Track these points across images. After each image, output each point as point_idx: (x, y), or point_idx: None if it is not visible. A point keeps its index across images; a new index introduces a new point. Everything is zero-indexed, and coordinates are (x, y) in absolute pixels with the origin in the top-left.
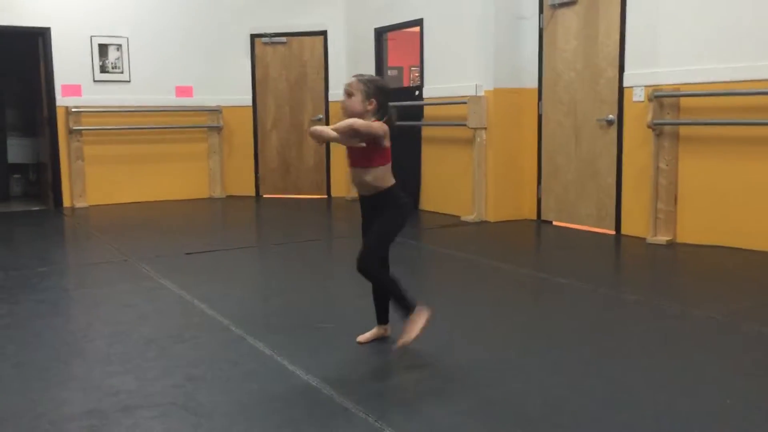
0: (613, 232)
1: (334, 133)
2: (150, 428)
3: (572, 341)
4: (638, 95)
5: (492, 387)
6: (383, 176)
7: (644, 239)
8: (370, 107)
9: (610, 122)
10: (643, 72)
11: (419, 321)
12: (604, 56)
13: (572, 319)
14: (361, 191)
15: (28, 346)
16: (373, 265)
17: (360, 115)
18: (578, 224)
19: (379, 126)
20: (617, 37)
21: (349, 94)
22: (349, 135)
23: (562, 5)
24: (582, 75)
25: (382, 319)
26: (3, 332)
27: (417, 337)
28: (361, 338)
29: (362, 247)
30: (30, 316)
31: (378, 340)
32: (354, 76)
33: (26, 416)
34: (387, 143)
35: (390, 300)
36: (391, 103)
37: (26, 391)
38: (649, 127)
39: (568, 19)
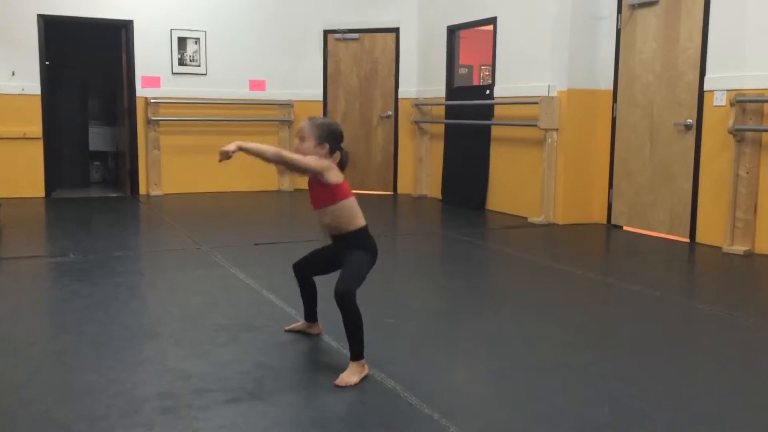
0: (687, 240)
1: (250, 146)
2: (220, 412)
3: (643, 350)
4: (719, 99)
5: (559, 392)
6: (343, 215)
7: (720, 248)
8: (322, 151)
9: (688, 126)
10: (726, 75)
11: (362, 372)
12: (684, 59)
13: (643, 328)
14: (330, 232)
15: (106, 327)
16: (349, 296)
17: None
18: (650, 230)
19: (314, 160)
20: (699, 39)
21: (302, 138)
22: (281, 162)
23: (641, 5)
24: (660, 78)
25: (310, 317)
26: (83, 312)
27: (354, 385)
28: (288, 327)
29: (341, 280)
30: (108, 298)
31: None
32: (306, 119)
33: (103, 394)
34: (334, 179)
35: (347, 335)
36: (343, 147)
37: (103, 370)
38: (729, 132)
39: (648, 20)
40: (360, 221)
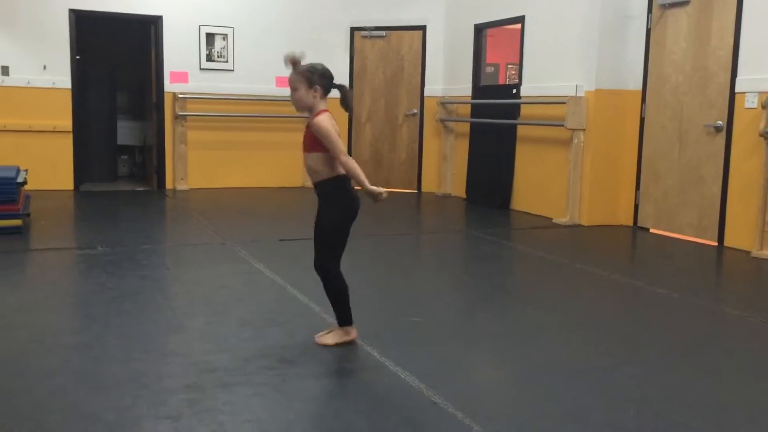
0: (715, 244)
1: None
2: (245, 405)
3: (670, 354)
4: (751, 101)
5: (585, 394)
6: (327, 164)
7: (749, 253)
8: (316, 94)
9: (718, 128)
10: (758, 77)
11: (345, 337)
12: (715, 59)
13: (670, 331)
14: (311, 178)
15: (133, 320)
16: (326, 268)
17: (311, 105)
18: (677, 233)
19: (332, 129)
20: (731, 40)
21: (293, 89)
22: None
23: (673, 5)
24: (690, 78)
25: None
26: (111, 305)
27: (332, 346)
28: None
29: (317, 258)
30: (134, 290)
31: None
32: (292, 70)
33: (130, 386)
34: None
35: (330, 303)
36: (343, 84)
37: (130, 361)
38: (761, 135)
39: (679, 19)
40: (337, 171)
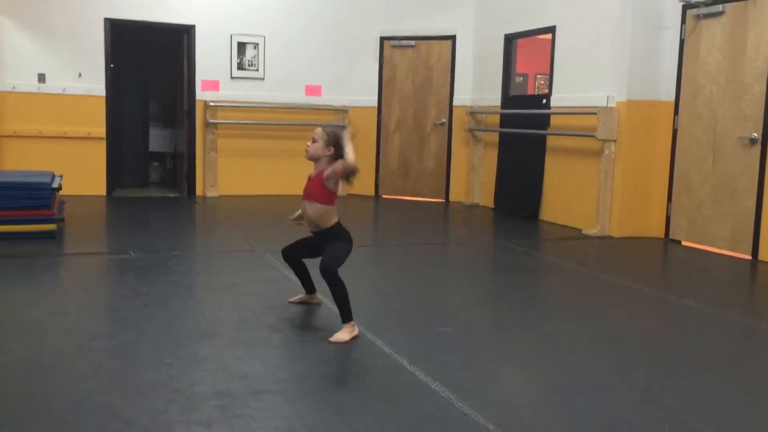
0: (749, 257)
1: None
2: (276, 413)
3: (703, 369)
4: None
5: (617, 408)
6: (325, 216)
7: None
8: (328, 153)
9: (753, 140)
10: None
11: (353, 332)
12: (750, 71)
13: (703, 346)
14: (309, 227)
15: (164, 325)
16: (336, 272)
17: (319, 158)
18: (710, 246)
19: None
20: (767, 51)
21: (313, 140)
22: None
23: (707, 16)
24: (725, 90)
25: (310, 290)
26: (143, 310)
27: (346, 343)
28: (291, 299)
29: (324, 258)
30: (166, 296)
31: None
32: (320, 127)
33: (163, 391)
34: (339, 188)
35: (335, 302)
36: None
37: (162, 367)
38: None
39: (713, 30)
40: (335, 220)
